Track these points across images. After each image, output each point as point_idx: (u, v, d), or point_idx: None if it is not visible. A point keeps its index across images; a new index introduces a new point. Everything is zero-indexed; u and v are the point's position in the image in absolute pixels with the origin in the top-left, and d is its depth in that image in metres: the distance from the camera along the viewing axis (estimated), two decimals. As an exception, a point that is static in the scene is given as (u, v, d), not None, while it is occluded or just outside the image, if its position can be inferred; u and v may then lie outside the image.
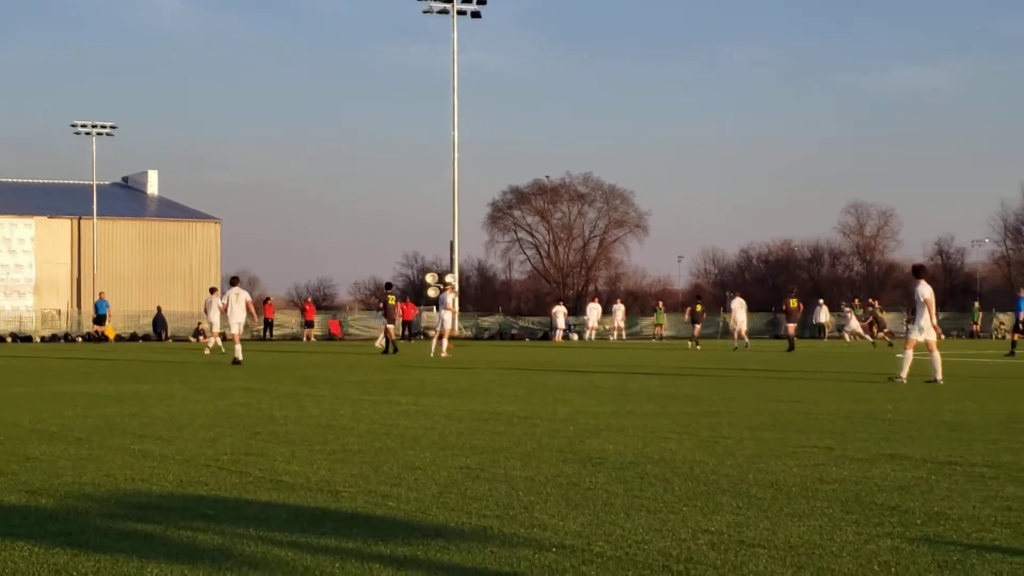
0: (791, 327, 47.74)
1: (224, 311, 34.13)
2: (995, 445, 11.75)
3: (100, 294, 66.85)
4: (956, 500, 8.34)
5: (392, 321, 43.73)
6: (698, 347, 48.86)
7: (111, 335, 62.97)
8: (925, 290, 22.24)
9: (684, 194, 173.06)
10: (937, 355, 22.14)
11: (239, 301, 32.97)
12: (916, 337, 22.44)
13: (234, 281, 34.25)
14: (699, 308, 53.21)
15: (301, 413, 15.41)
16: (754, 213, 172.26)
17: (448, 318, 40.08)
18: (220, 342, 40.59)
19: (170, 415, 15.14)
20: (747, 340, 48.36)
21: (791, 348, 44.64)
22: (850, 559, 6.47)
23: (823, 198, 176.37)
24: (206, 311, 41.04)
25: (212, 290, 41.94)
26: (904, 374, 22.03)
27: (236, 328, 32.66)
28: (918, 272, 23.38)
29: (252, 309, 33.35)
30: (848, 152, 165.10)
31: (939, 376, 21.74)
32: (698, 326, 52.53)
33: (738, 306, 49.27)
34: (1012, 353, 40.22)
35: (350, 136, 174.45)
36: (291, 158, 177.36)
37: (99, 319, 63.38)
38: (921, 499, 8.38)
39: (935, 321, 22.50)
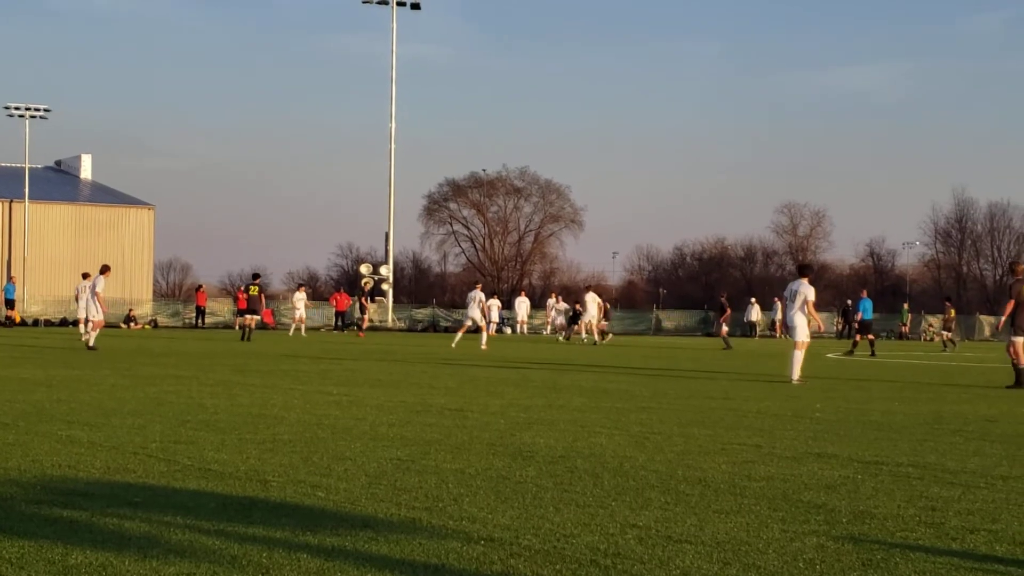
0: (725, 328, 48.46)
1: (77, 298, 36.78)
2: (921, 446, 11.90)
3: (11, 278, 66.22)
4: (881, 499, 8.45)
5: (255, 312, 45.22)
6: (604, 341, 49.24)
7: (16, 319, 62.42)
8: (811, 290, 22.10)
9: (620, 190, 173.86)
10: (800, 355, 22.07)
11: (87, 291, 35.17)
12: (805, 337, 22.20)
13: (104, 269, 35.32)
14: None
15: (231, 402, 15.32)
16: (689, 211, 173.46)
17: (477, 315, 40.58)
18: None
19: (99, 401, 15.00)
20: (596, 337, 48.72)
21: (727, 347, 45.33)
22: (776, 556, 6.53)
23: (757, 197, 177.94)
24: (76, 298, 40.92)
25: (85, 275, 41.78)
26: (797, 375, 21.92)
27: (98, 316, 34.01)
28: (804, 271, 23.19)
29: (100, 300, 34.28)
30: (783, 152, 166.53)
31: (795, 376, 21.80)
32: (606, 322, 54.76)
33: (590, 300, 49.74)
34: (871, 351, 40.92)
35: (286, 125, 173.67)
36: (227, 145, 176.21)
37: (8, 303, 62.72)
38: (847, 498, 8.48)
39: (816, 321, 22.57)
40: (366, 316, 52.09)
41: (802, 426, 13.70)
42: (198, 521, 7.08)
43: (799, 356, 21.99)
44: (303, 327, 53.01)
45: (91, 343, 31.94)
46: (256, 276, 48.46)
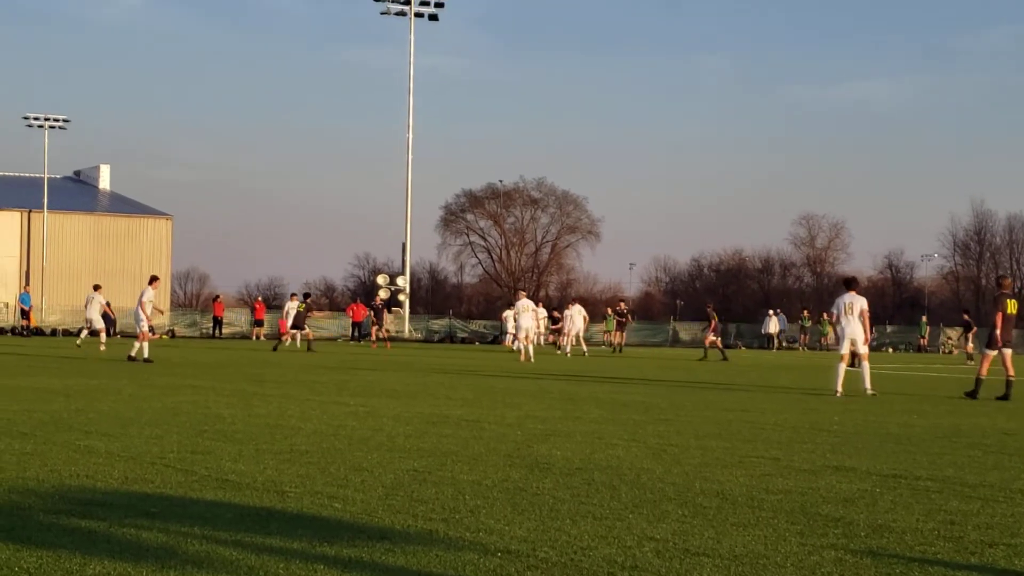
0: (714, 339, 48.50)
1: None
2: (939, 459, 11.85)
3: (25, 288, 66.48)
4: (900, 513, 8.41)
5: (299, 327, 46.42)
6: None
7: (33, 324, 62.95)
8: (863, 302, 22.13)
9: (637, 202, 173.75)
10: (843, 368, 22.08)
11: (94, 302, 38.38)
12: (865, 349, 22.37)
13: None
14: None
15: (249, 412, 15.34)
16: (706, 222, 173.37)
17: (530, 324, 40.57)
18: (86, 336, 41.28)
19: (116, 411, 15.03)
20: (584, 348, 48.89)
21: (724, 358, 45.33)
22: (794, 570, 6.51)
23: (775, 209, 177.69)
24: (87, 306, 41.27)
25: (96, 287, 42.22)
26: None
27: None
28: (851, 284, 23.13)
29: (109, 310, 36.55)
30: (802, 164, 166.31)
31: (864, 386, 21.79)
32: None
33: (576, 312, 49.96)
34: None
35: (304, 136, 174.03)
36: (245, 156, 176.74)
37: (23, 313, 63.04)
38: (865, 511, 8.44)
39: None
40: (383, 328, 51.80)
41: (820, 439, 13.66)
42: (215, 532, 7.09)
43: (842, 368, 22.09)
44: (297, 338, 53.46)
45: (144, 354, 30.57)
46: (307, 296, 50.47)
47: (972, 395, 22.35)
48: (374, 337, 54.82)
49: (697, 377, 30.03)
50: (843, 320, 22.37)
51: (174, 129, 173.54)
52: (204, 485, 8.92)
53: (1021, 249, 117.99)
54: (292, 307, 53.74)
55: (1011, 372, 22.60)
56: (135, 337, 32.05)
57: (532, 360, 37.41)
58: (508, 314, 68.23)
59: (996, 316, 22.77)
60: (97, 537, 6.88)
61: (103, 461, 10.13)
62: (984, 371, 22.79)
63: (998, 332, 22.73)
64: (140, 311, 31.61)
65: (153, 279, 33.27)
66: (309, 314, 47.98)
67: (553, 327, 55.12)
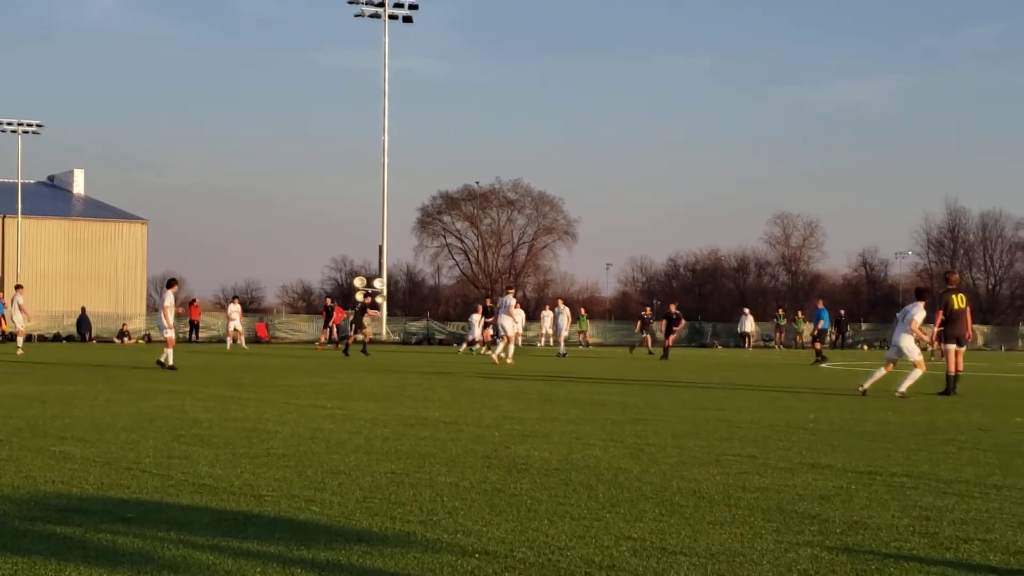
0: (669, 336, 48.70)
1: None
2: (914, 456, 11.91)
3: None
4: (875, 510, 8.45)
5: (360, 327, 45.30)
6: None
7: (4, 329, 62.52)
8: (920, 312, 22.04)
9: (613, 202, 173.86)
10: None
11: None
12: (918, 355, 22.07)
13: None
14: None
15: (225, 416, 15.31)
16: (682, 222, 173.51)
17: (509, 324, 38.27)
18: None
19: (92, 417, 14.98)
20: (563, 348, 49.03)
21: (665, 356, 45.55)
22: (770, 567, 6.53)
23: (751, 208, 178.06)
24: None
25: (17, 287, 42.24)
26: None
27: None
28: (921, 295, 22.91)
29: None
30: (776, 163, 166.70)
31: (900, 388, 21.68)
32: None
33: (561, 312, 50.57)
34: (821, 359, 41.29)
35: (280, 138, 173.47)
36: (220, 159, 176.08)
37: None
38: (841, 508, 8.48)
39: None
40: (363, 330, 50.86)
41: (796, 437, 13.71)
42: (192, 536, 7.08)
43: (917, 374, 21.83)
44: (241, 339, 53.65)
45: (169, 361, 29.26)
46: (367, 295, 51.47)
47: (946, 393, 22.45)
48: (352, 340, 53.91)
49: (673, 376, 30.09)
50: (897, 327, 22.42)
51: (149, 133, 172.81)
52: (180, 490, 8.90)
53: (994, 246, 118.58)
54: (235, 310, 53.90)
55: (959, 368, 22.93)
56: (121, 341, 31.78)
57: (510, 362, 36.84)
58: (475, 317, 68.19)
59: (937, 314, 23.34)
60: (73, 543, 6.86)
61: (79, 467, 10.10)
62: (951, 367, 22.89)
63: (940, 329, 23.25)
64: (163, 317, 30.41)
65: (171, 282, 31.84)
66: (367, 313, 47.03)
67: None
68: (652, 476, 10.01)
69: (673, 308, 50.93)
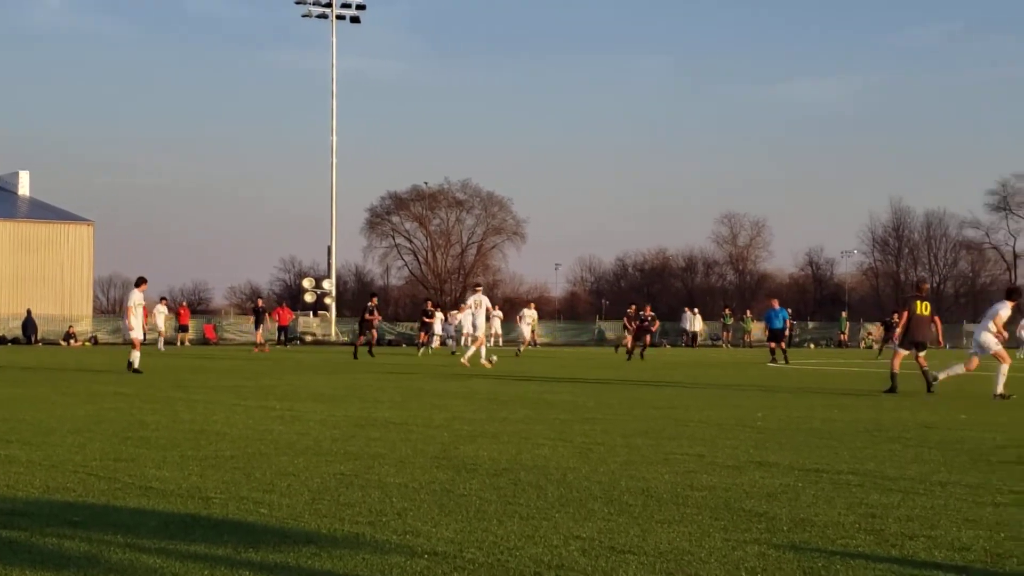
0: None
1: None
2: (860, 453, 12.01)
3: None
4: (822, 507, 8.52)
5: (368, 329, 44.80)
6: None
7: None
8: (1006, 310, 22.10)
9: (562, 202, 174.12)
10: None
11: None
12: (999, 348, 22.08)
13: None
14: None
15: (173, 418, 15.21)
16: (631, 222, 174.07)
17: (481, 324, 36.80)
18: None
19: (38, 420, 14.84)
20: (520, 349, 49.23)
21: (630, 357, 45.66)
22: (718, 565, 6.57)
23: (699, 208, 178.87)
24: None
25: None
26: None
27: None
28: (1011, 295, 22.71)
29: None
30: (724, 163, 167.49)
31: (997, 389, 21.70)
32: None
33: (528, 314, 51.28)
34: (774, 360, 41.56)
35: (227, 139, 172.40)
36: (167, 161, 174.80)
37: None
38: (788, 506, 8.54)
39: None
40: (371, 332, 47.89)
41: (744, 435, 13.79)
42: (139, 539, 7.03)
43: (1004, 369, 21.92)
44: (161, 341, 53.40)
45: (135, 364, 28.15)
46: (373, 295, 50.15)
47: (891, 391, 22.73)
48: (360, 342, 50.14)
49: (623, 375, 30.19)
50: (980, 325, 22.59)
51: (95, 134, 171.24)
52: (127, 493, 8.84)
53: (939, 245, 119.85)
54: (161, 311, 53.60)
55: (924, 364, 23.32)
56: (66, 343, 30.58)
57: (469, 364, 34.58)
58: (439, 316, 67.93)
59: (903, 316, 23.97)
60: (18, 547, 6.80)
61: (24, 470, 10.00)
62: (896, 366, 23.34)
63: (902, 332, 23.63)
64: (127, 317, 29.21)
65: (139, 281, 30.00)
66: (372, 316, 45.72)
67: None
68: (601, 475, 10.04)
69: (648, 311, 51.02)
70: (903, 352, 23.53)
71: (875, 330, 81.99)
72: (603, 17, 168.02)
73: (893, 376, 23.13)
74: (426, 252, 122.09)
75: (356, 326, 51.99)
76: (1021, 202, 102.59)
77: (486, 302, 37.50)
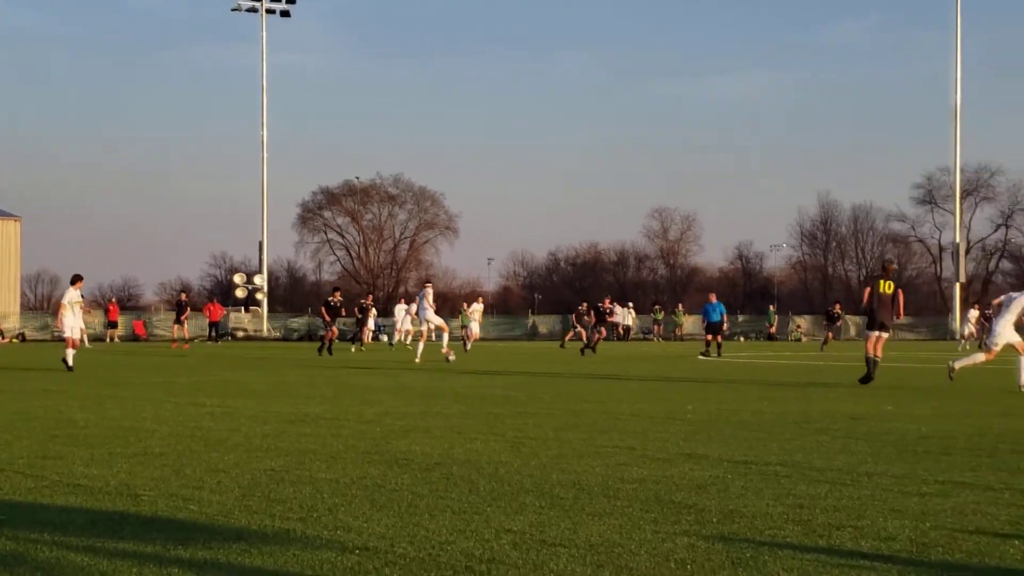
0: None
1: None
2: (789, 444, 12.13)
3: None
4: (751, 498, 8.60)
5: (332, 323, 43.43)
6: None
7: None
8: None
9: (494, 197, 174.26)
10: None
11: None
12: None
13: None
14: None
15: (102, 415, 15.07)
16: (563, 216, 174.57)
17: (432, 316, 35.81)
18: None
19: (-37, 418, 14.65)
20: (469, 344, 49.37)
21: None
22: (647, 557, 6.62)
23: (630, 202, 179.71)
24: None
25: None
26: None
27: None
28: None
29: None
30: (655, 157, 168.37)
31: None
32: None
33: (476, 310, 51.71)
34: (707, 353, 41.79)
35: (156, 135, 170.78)
36: (96, 155, 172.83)
37: None
38: (717, 497, 8.62)
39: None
40: (365, 329, 46.09)
41: (674, 428, 13.88)
42: (66, 538, 6.97)
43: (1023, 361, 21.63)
44: (85, 338, 52.76)
45: (69, 362, 27.80)
46: (336, 289, 47.84)
47: (867, 379, 22.67)
48: (365, 340, 47.97)
49: (555, 369, 30.27)
50: (999, 315, 22.16)
51: (21, 128, 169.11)
52: (55, 491, 8.76)
53: (866, 238, 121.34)
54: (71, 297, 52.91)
55: (878, 354, 23.21)
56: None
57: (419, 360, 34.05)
58: (399, 308, 67.54)
59: (864, 292, 23.83)
60: (-57, 547, 6.71)
61: (-51, 469, 9.88)
62: (870, 350, 23.13)
63: (873, 312, 23.38)
64: (60, 315, 28.94)
65: (75, 278, 29.70)
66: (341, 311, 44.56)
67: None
68: (533, 469, 10.07)
69: (607, 303, 51.11)
70: (873, 334, 23.26)
71: (803, 323, 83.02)
72: (530, 11, 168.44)
73: (868, 362, 22.90)
74: (358, 247, 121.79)
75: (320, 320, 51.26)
76: (946, 195, 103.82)
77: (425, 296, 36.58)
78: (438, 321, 36.06)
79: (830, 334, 55.18)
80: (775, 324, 79.38)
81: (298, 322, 75.68)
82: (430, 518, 7.67)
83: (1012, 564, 6.55)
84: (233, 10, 74.21)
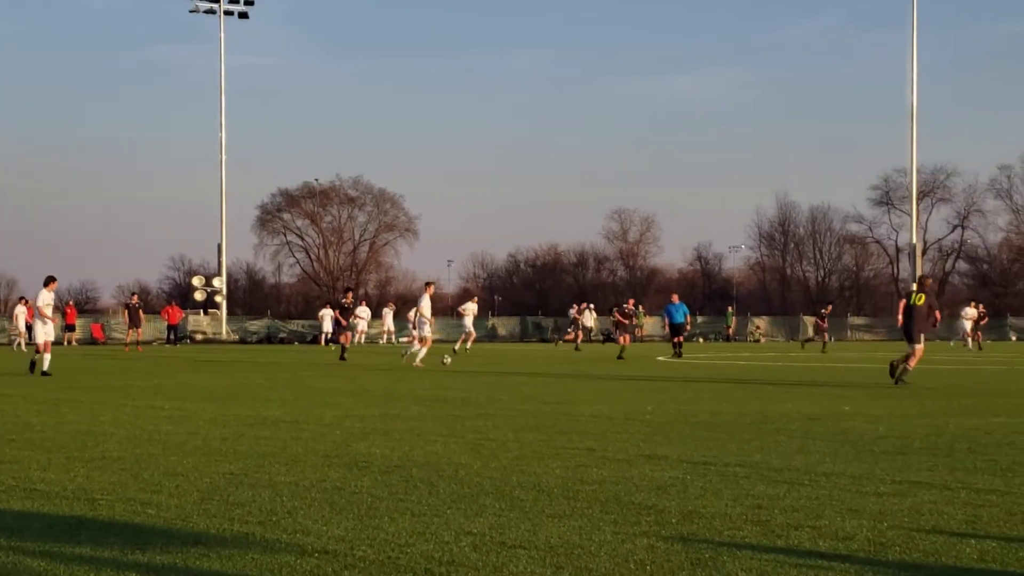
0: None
1: None
2: (747, 445, 12.19)
3: None
4: (710, 499, 8.63)
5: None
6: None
7: None
8: None
9: (454, 198, 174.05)
10: None
11: None
12: None
13: None
14: None
15: (59, 419, 14.97)
16: (523, 218, 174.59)
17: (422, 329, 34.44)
18: None
19: (-83, 423, 14.51)
20: (468, 345, 49.22)
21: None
22: (607, 558, 6.64)
23: (590, 204, 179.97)
24: None
25: None
26: None
27: None
28: None
29: None
30: (614, 158, 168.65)
31: None
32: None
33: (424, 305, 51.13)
34: (679, 355, 41.88)
35: (115, 136, 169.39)
36: (52, 156, 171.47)
37: None
38: (677, 498, 8.65)
39: None
40: (359, 331, 43.98)
41: (634, 429, 13.92)
42: (23, 543, 6.92)
43: None
44: (22, 342, 52.26)
45: (43, 366, 27.01)
46: (348, 290, 46.04)
47: (895, 379, 23.45)
48: (347, 342, 45.93)
49: (516, 369, 30.28)
50: None
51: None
52: (11, 495, 8.69)
53: (823, 239, 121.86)
54: (21, 312, 52.50)
55: (911, 364, 23.81)
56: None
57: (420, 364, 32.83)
58: (324, 313, 67.39)
59: (900, 305, 25.28)
60: (-103, 553, 6.65)
61: (-97, 475, 9.78)
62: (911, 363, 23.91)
63: (906, 325, 24.30)
64: (33, 319, 27.74)
65: (49, 280, 28.39)
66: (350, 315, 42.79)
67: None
68: (492, 471, 10.07)
69: (631, 304, 50.92)
70: (913, 347, 24.05)
71: (762, 324, 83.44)
72: (488, 11, 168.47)
73: (897, 366, 23.71)
74: (318, 249, 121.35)
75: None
76: (903, 197, 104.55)
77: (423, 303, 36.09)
78: (424, 334, 34.72)
79: (825, 336, 54.85)
80: (733, 325, 79.72)
81: (257, 325, 75.35)
82: (390, 521, 7.66)
83: (968, 563, 6.61)
84: (191, 11, 73.93)
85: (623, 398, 19.47)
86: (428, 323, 34.21)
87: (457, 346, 45.95)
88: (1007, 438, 13.01)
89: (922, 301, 24.24)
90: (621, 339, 43.61)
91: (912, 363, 23.74)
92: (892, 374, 23.54)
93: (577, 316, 61.07)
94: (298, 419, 15.07)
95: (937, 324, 24.81)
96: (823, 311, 56.59)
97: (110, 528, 7.42)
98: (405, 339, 37.24)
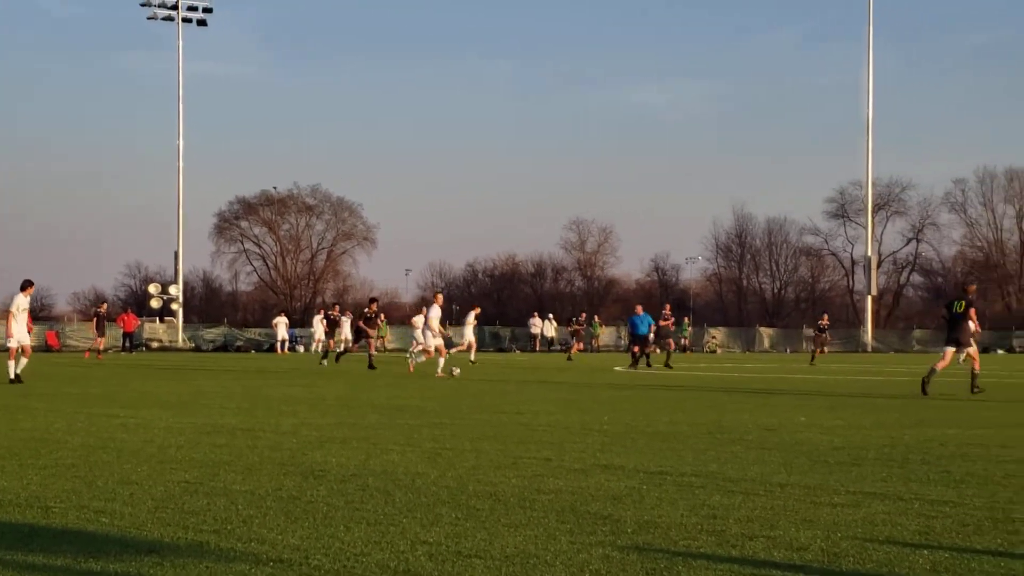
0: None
1: None
2: (703, 455, 12.23)
3: None
4: (665, 509, 8.66)
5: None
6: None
7: None
8: None
9: (412, 208, 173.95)
10: None
11: None
12: None
13: None
14: None
15: (12, 426, 14.85)
16: (481, 228, 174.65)
17: (431, 336, 34.86)
18: None
19: None
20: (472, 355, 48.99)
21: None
22: (563, 568, 6.65)
23: (548, 214, 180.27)
24: None
25: None
26: None
27: None
28: None
29: None
30: (572, 169, 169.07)
31: None
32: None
33: (421, 320, 51.51)
34: (649, 365, 41.98)
35: (71, 143, 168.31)
36: (9, 162, 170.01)
37: None
38: (633, 508, 8.67)
39: None
40: (372, 340, 43.46)
41: (590, 438, 13.94)
42: (-25, 551, 6.86)
43: None
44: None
45: (11, 373, 26.33)
46: (373, 300, 45.08)
47: (923, 386, 23.96)
48: (371, 350, 44.67)
49: (473, 378, 30.25)
50: None
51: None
52: (-37, 503, 8.61)
53: (780, 251, 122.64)
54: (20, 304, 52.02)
55: (938, 366, 24.57)
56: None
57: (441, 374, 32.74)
58: (279, 321, 67.05)
59: (942, 311, 26.08)
60: None
61: None
62: (940, 366, 24.60)
63: (949, 329, 24.92)
64: (9, 324, 27.38)
65: (26, 284, 27.70)
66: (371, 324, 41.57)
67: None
68: (449, 480, 10.07)
69: (668, 309, 50.70)
70: (949, 350, 24.68)
71: (718, 334, 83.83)
72: (450, 20, 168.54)
73: (929, 373, 24.22)
74: (275, 257, 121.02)
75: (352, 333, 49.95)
76: (859, 209, 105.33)
77: (432, 313, 35.69)
78: (430, 344, 34.81)
79: (821, 347, 54.38)
80: (690, 336, 80.00)
81: (213, 333, 74.98)
82: (345, 530, 7.64)
83: (921, 574, 6.66)
84: (149, 18, 73.65)
85: (580, 408, 19.50)
86: (436, 333, 34.41)
87: (472, 356, 44.86)
88: (960, 450, 13.12)
89: (963, 308, 24.80)
90: (663, 346, 44.77)
91: (977, 366, 24.68)
92: (924, 389, 23.86)
93: (578, 327, 61.84)
94: (254, 427, 15.00)
95: (977, 329, 25.25)
96: (820, 323, 56.64)
97: (63, 536, 7.37)
98: (419, 347, 37.06)
